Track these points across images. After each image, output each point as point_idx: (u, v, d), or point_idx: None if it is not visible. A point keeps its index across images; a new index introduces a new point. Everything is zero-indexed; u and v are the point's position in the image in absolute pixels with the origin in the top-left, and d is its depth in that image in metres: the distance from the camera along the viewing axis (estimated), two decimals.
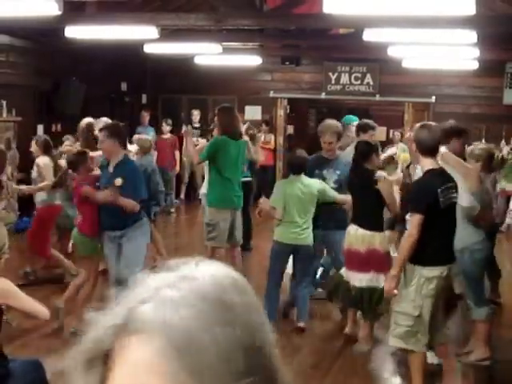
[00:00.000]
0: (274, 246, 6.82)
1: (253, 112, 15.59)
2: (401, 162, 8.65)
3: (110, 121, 8.96)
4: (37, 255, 8.01)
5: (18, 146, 10.83)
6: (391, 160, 8.29)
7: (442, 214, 4.90)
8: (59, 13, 7.42)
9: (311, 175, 6.82)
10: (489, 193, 6.03)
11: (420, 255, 4.88)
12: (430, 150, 4.96)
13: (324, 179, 6.83)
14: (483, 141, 11.83)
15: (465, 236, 5.68)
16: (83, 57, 12.29)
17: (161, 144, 13.75)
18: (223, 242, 7.88)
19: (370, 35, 8.78)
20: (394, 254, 6.34)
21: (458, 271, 5.71)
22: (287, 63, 15.42)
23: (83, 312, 6.34)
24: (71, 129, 9.94)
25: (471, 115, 14.37)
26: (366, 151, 6.29)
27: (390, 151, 9.91)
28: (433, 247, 4.87)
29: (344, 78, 15.32)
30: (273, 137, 14.93)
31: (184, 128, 8.92)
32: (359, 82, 15.25)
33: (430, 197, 4.83)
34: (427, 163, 4.99)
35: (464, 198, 5.61)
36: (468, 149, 6.07)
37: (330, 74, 15.36)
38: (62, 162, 8.16)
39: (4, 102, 10.75)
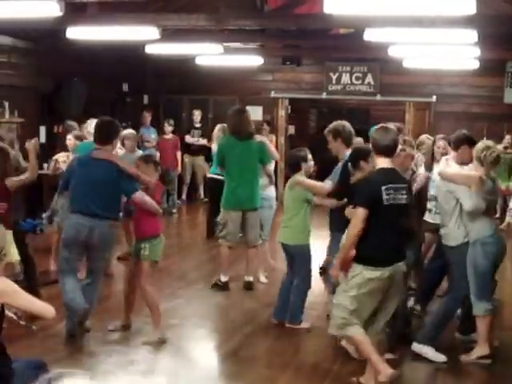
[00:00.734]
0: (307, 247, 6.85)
1: (254, 112, 15.54)
2: None
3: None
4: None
5: (21, 147, 10.85)
6: None
7: (386, 213, 4.96)
8: (61, 14, 7.45)
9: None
10: (492, 193, 6.08)
11: (363, 255, 4.98)
12: (384, 151, 5.11)
13: None
14: (484, 138, 11.87)
15: (477, 228, 5.89)
16: (85, 58, 12.31)
17: (163, 144, 13.78)
18: (232, 241, 8.10)
19: (370, 35, 8.80)
20: None
21: (413, 263, 5.99)
22: (288, 63, 15.44)
23: None
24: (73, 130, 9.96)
25: (472, 114, 14.40)
26: (353, 157, 6.06)
27: None
28: (375, 248, 4.96)
29: (345, 78, 15.33)
30: (274, 137, 14.94)
31: None
32: (360, 81, 15.26)
33: (374, 192, 4.94)
34: (380, 162, 5.13)
35: (466, 203, 5.83)
36: (477, 149, 6.04)
37: (331, 73, 15.38)
38: None
39: (6, 104, 10.76)
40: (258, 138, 8.37)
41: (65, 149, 9.26)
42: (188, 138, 14.55)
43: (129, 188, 6.20)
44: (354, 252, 4.99)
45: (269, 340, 6.52)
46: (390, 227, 5.01)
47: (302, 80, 15.66)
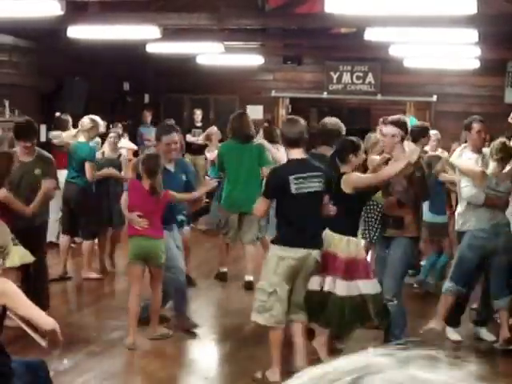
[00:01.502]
0: None
1: (254, 111, 15.58)
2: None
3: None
4: None
5: None
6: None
7: (296, 201, 5.24)
8: (62, 13, 7.44)
9: None
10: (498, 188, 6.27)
11: (278, 237, 5.40)
12: (293, 142, 5.37)
13: None
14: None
15: (474, 219, 6.22)
16: (86, 57, 12.30)
17: None
18: (232, 239, 8.32)
19: (371, 34, 8.80)
20: None
21: None
22: (289, 63, 15.43)
23: None
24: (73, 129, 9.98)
25: (472, 114, 14.23)
26: (340, 150, 5.84)
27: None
28: (286, 229, 5.33)
29: (345, 78, 15.33)
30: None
31: None
32: (361, 81, 15.27)
33: (280, 183, 5.27)
34: (291, 153, 5.42)
35: (463, 191, 6.29)
36: (492, 148, 6.29)
37: (332, 73, 15.38)
38: None
39: (7, 102, 10.76)
40: (259, 140, 8.39)
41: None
42: (189, 137, 14.54)
43: None
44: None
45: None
46: (302, 213, 5.27)
47: (302, 79, 15.66)
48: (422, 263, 8.44)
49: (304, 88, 15.67)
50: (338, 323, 5.63)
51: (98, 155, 8.67)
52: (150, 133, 13.96)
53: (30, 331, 3.84)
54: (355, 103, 18.03)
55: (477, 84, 14.56)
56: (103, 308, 7.14)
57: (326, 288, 5.52)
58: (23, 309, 3.79)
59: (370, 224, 6.71)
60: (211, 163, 11.29)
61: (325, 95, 15.58)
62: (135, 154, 12.27)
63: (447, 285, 6.37)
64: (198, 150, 14.50)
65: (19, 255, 6.69)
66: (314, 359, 5.39)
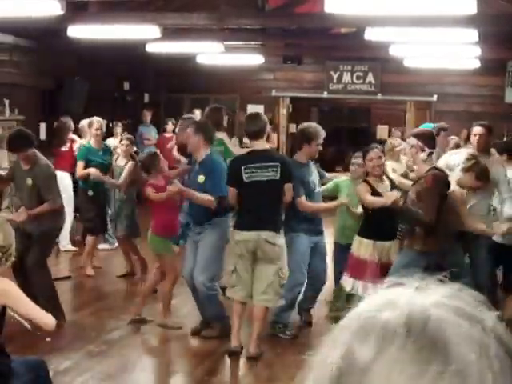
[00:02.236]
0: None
1: (255, 111, 15.59)
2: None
3: (101, 120, 9.09)
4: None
5: None
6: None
7: (248, 188, 5.76)
8: (62, 12, 7.45)
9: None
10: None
11: (235, 221, 5.99)
12: (253, 135, 5.90)
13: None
14: None
15: None
16: (86, 56, 12.30)
17: (163, 142, 13.75)
18: None
19: (371, 34, 8.80)
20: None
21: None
22: (289, 62, 15.44)
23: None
24: (74, 128, 9.99)
25: (473, 114, 14.36)
26: (297, 138, 6.24)
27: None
28: (240, 215, 5.90)
29: (346, 77, 15.33)
30: (275, 135, 14.93)
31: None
32: (361, 80, 15.27)
33: (234, 172, 5.83)
34: (252, 145, 5.98)
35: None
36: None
37: (332, 72, 15.38)
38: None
39: (7, 102, 10.76)
40: (219, 135, 8.26)
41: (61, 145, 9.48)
42: None
43: None
44: None
45: (269, 340, 6.51)
46: (253, 199, 5.76)
47: (302, 79, 15.66)
48: None
49: (304, 88, 15.67)
50: None
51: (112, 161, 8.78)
52: (149, 132, 13.96)
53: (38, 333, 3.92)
54: (355, 103, 18.03)
55: (477, 84, 14.56)
56: (103, 308, 7.14)
57: (360, 293, 5.90)
58: (24, 309, 3.80)
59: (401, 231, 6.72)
60: None
61: (325, 95, 15.58)
62: (136, 153, 12.25)
63: None
64: None
65: None
66: None
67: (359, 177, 6.60)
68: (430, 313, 0.76)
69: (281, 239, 5.88)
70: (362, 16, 7.83)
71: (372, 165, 6.07)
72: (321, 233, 6.53)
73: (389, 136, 16.92)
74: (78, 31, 9.00)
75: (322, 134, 6.47)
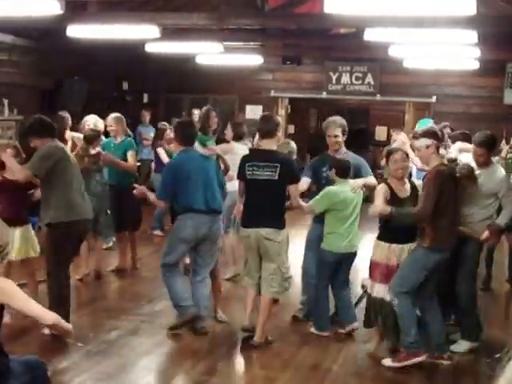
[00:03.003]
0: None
1: (254, 111, 15.62)
2: None
3: (98, 118, 9.08)
4: None
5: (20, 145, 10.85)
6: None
7: (250, 185, 6.13)
8: (61, 12, 7.46)
9: (318, 176, 6.77)
10: None
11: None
12: (263, 135, 6.22)
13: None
14: None
15: None
16: (85, 56, 12.31)
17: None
18: None
19: (370, 35, 8.81)
20: None
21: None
22: (288, 63, 15.45)
23: None
24: (73, 127, 9.96)
25: (472, 115, 14.39)
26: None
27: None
28: (245, 212, 6.23)
29: (345, 78, 15.34)
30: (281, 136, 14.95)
31: None
32: (360, 81, 15.27)
33: (241, 169, 6.17)
34: (260, 144, 6.34)
35: None
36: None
37: (331, 73, 15.38)
38: None
39: (6, 101, 10.76)
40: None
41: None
42: None
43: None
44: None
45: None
46: (254, 196, 6.12)
47: (302, 79, 15.66)
48: None
49: (303, 88, 15.68)
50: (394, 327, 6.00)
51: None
52: (148, 132, 13.95)
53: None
54: (354, 103, 18.03)
55: (476, 85, 14.57)
56: (100, 308, 7.13)
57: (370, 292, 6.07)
58: (23, 306, 3.79)
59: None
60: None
61: (324, 95, 15.58)
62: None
63: None
64: None
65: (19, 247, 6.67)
66: None
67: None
68: None
69: (280, 236, 6.06)
70: (362, 16, 7.83)
71: (396, 167, 6.02)
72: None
73: (387, 138, 16.97)
74: (78, 31, 9.00)
75: (332, 125, 6.74)
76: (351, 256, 6.56)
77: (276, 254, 6.08)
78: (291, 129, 16.97)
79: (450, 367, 5.97)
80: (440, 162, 5.93)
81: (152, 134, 13.96)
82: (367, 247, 6.56)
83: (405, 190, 6.02)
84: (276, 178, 5.98)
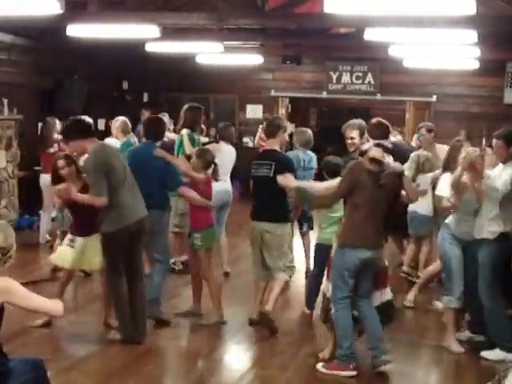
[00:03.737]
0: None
1: (254, 111, 15.63)
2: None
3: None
4: None
5: (18, 144, 10.86)
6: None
7: (254, 182, 6.75)
8: (61, 12, 7.45)
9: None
10: None
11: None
12: (267, 135, 6.83)
13: None
14: (484, 139, 11.89)
15: None
16: (85, 55, 12.30)
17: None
18: None
19: (370, 35, 8.80)
20: None
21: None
22: (288, 62, 15.45)
23: None
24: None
25: (472, 114, 14.41)
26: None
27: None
28: (253, 205, 6.68)
29: (345, 78, 15.33)
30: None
31: None
32: (360, 81, 15.27)
33: (250, 167, 6.67)
34: (266, 143, 6.94)
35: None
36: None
37: (331, 73, 15.38)
38: None
39: (5, 101, 10.74)
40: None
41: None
42: None
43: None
44: None
45: (268, 340, 6.50)
46: (256, 192, 6.70)
47: (302, 79, 15.66)
48: None
49: (303, 88, 15.67)
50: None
51: None
52: None
53: None
54: (355, 103, 18.03)
55: (476, 84, 14.57)
56: (101, 308, 7.12)
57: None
58: (28, 303, 3.82)
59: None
60: None
61: (324, 95, 15.58)
62: None
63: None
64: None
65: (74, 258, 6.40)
66: None
67: None
68: None
69: (279, 229, 6.53)
70: (362, 16, 7.83)
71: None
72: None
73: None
74: (78, 30, 9.00)
75: (349, 127, 7.19)
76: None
77: (277, 245, 6.55)
78: (291, 128, 16.96)
79: (451, 365, 5.97)
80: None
81: None
82: None
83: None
84: (271, 174, 6.43)
